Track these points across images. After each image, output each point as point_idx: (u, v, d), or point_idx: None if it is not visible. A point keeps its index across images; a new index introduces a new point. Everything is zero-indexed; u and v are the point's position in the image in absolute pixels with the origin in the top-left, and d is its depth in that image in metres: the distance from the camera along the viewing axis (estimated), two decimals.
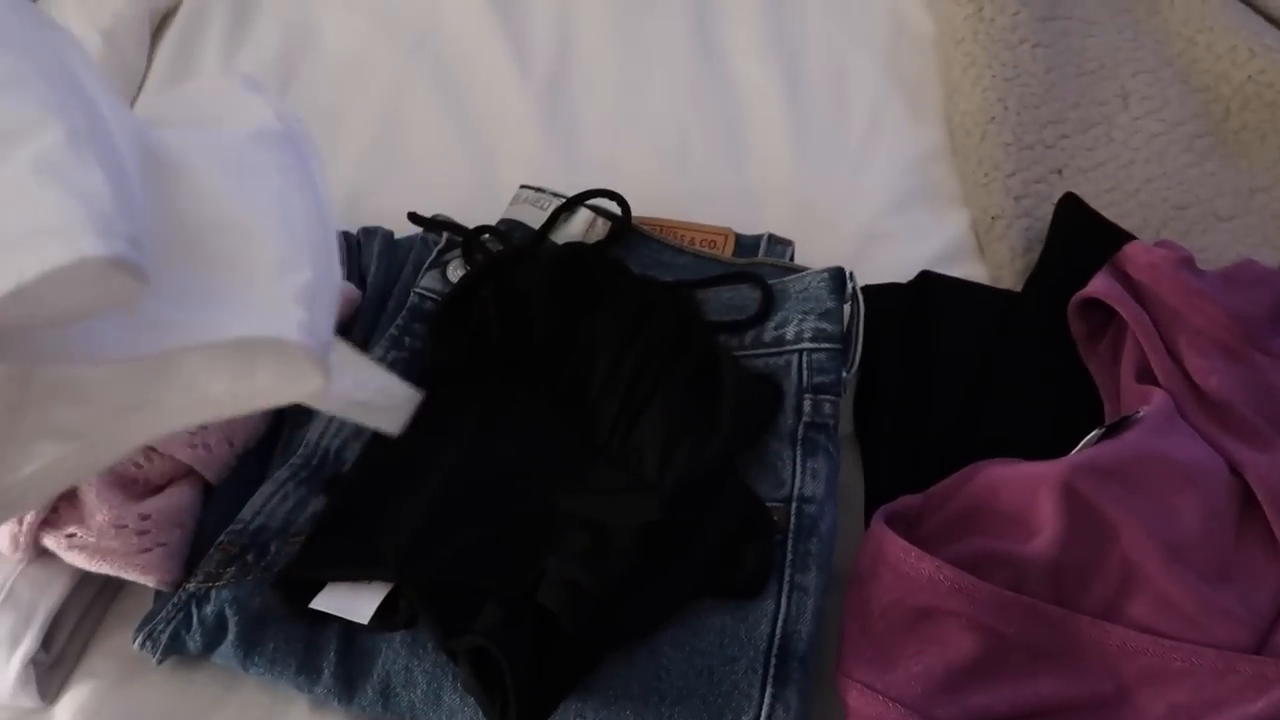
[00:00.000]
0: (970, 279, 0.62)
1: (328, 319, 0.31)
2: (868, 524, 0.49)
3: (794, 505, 0.48)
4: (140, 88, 0.77)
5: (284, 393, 0.32)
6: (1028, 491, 0.47)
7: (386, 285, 0.61)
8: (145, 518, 0.48)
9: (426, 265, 0.59)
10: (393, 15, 0.82)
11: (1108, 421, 0.53)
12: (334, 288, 0.33)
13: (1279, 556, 0.47)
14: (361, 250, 0.62)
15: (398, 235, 0.63)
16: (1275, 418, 0.51)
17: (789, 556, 0.47)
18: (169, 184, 0.31)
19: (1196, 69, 0.72)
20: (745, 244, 0.62)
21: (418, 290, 0.58)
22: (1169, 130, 0.69)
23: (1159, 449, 0.47)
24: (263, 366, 0.32)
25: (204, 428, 0.51)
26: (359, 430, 0.52)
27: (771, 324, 0.54)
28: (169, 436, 0.50)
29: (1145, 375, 0.53)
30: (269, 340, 0.30)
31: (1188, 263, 0.55)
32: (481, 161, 0.72)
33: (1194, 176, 0.67)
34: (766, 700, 0.43)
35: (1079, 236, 0.60)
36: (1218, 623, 0.44)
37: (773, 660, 0.44)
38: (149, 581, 0.48)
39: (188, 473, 0.51)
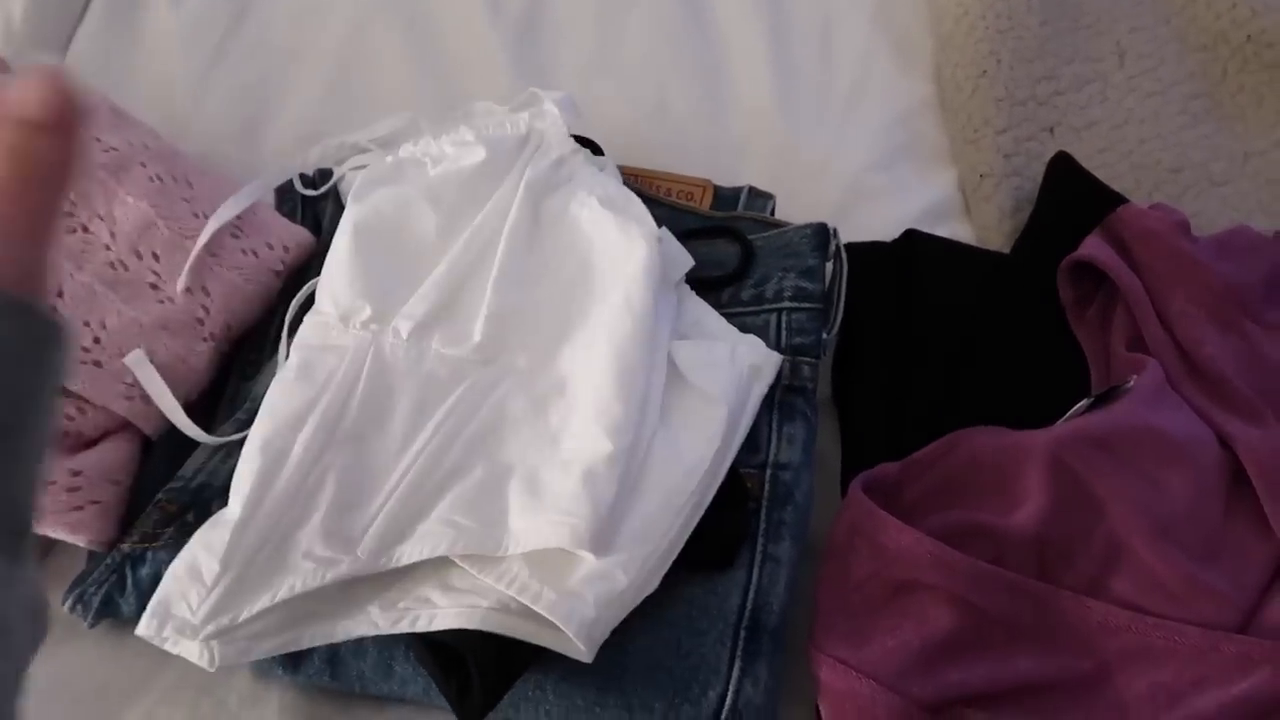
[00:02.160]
0: (956, 239, 0.60)
1: (608, 628, 0.40)
2: (844, 492, 0.47)
3: (769, 472, 0.46)
4: (80, 20, 0.72)
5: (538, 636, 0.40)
6: (1013, 462, 0.45)
7: None
8: (76, 474, 0.45)
9: None
10: None
11: (1095, 390, 0.51)
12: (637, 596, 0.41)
13: (1268, 534, 0.45)
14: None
15: None
16: (1267, 390, 0.49)
17: (762, 525, 0.45)
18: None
19: (1195, 27, 0.69)
20: (724, 196, 0.59)
21: None
22: (1164, 90, 0.66)
23: (1149, 421, 0.46)
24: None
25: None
26: None
27: (750, 281, 0.51)
28: (102, 386, 0.47)
29: (1136, 344, 0.51)
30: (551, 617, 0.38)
31: (1183, 227, 0.53)
32: (447, 103, 0.68)
33: (1189, 139, 0.64)
34: (735, 674, 0.41)
35: (1070, 198, 0.58)
36: (1204, 601, 0.43)
37: (742, 633, 0.42)
38: (79, 541, 0.45)
39: (124, 426, 0.48)
